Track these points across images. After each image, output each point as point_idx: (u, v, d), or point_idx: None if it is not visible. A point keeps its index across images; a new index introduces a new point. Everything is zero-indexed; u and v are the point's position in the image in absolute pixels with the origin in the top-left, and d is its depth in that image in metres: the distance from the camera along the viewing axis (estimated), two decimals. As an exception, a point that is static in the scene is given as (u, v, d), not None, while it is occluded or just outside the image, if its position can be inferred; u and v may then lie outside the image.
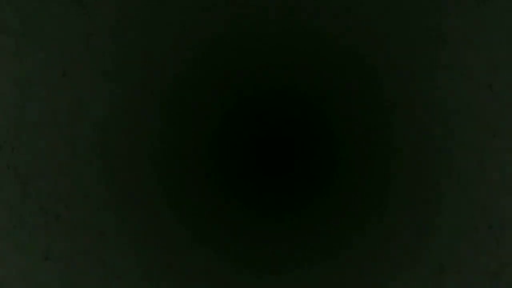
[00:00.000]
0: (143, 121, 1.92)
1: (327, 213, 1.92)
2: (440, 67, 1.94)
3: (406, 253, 1.90)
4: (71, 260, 1.89)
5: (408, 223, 1.91)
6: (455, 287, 1.90)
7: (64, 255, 1.89)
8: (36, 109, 1.89)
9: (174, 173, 1.91)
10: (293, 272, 1.90)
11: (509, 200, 1.91)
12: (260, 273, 1.90)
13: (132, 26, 1.92)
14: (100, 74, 1.92)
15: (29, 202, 1.89)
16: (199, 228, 1.91)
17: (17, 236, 1.88)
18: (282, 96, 1.94)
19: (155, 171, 1.91)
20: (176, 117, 1.92)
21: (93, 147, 1.91)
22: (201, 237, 1.90)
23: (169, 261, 1.90)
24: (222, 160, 1.92)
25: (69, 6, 1.92)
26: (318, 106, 1.93)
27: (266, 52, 1.94)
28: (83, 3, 1.89)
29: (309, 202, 1.92)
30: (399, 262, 1.90)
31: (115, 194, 1.90)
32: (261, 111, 1.93)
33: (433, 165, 1.92)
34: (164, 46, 1.93)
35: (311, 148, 1.93)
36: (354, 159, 1.92)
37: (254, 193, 1.92)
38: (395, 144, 1.93)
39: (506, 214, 1.90)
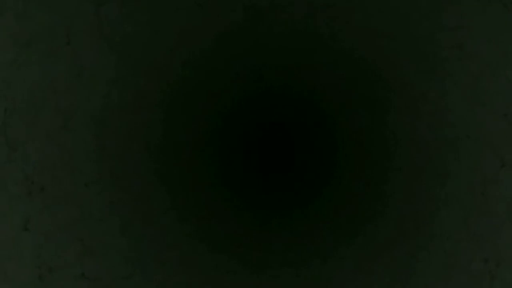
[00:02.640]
0: (143, 120, 1.91)
1: (326, 213, 1.92)
2: (441, 68, 1.93)
3: (405, 254, 1.91)
4: (50, 234, 1.89)
5: (407, 225, 1.92)
6: None
7: (44, 228, 1.87)
8: (35, 74, 1.86)
9: (174, 171, 1.92)
10: (293, 271, 1.92)
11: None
12: (259, 272, 1.91)
13: (135, 27, 1.91)
14: (100, 72, 1.91)
15: (15, 170, 1.87)
16: (198, 227, 1.91)
17: None
18: (282, 97, 1.93)
19: (152, 162, 1.91)
20: (177, 117, 1.92)
21: (90, 136, 1.90)
22: (200, 236, 1.91)
23: (162, 254, 1.91)
24: (222, 160, 1.92)
25: None
26: (318, 106, 1.93)
27: (266, 53, 1.93)
28: None
29: (309, 202, 1.92)
30: (398, 263, 1.92)
31: (107, 178, 1.90)
32: (261, 111, 1.93)
33: (433, 166, 1.92)
34: (165, 47, 1.92)
35: (311, 149, 1.93)
36: (353, 159, 1.92)
37: (254, 192, 1.92)
38: (394, 144, 1.92)
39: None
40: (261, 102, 1.93)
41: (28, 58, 1.84)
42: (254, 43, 1.93)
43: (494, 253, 1.89)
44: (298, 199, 1.92)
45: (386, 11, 1.93)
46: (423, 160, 1.92)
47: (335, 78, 1.93)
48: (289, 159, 1.93)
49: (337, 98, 1.93)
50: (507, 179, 1.89)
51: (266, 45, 1.93)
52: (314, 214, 1.92)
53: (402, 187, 1.92)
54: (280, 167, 1.93)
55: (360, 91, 1.93)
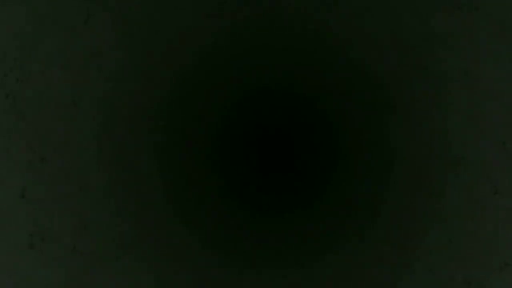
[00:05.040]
0: (144, 120, 1.95)
1: (325, 214, 1.91)
2: (441, 68, 1.98)
3: (403, 255, 1.87)
4: (46, 204, 1.88)
5: (407, 226, 1.89)
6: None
7: (40, 198, 1.88)
8: (49, 46, 1.89)
9: (173, 171, 1.93)
10: (292, 271, 1.87)
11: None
12: (258, 272, 1.87)
13: (133, 26, 1.96)
14: (100, 73, 1.95)
15: (17, 138, 1.89)
16: (198, 226, 1.90)
17: None
18: (282, 97, 1.96)
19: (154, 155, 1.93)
20: (177, 116, 1.95)
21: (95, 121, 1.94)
22: (200, 235, 1.89)
23: (158, 242, 1.88)
24: (221, 160, 1.94)
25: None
26: (318, 106, 1.97)
27: (266, 53, 1.97)
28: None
29: (309, 203, 1.92)
30: (397, 264, 1.86)
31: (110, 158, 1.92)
32: (261, 111, 1.98)
33: (433, 168, 1.93)
34: (166, 45, 1.96)
35: (311, 149, 1.95)
36: (353, 160, 1.93)
37: (253, 193, 1.93)
38: (394, 145, 1.94)
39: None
40: (261, 102, 1.95)
41: (46, 31, 1.93)
42: (254, 43, 1.96)
43: (479, 276, 1.83)
44: (297, 200, 1.92)
45: (390, 16, 1.96)
46: (420, 168, 1.93)
47: (335, 79, 1.95)
48: (289, 160, 1.95)
49: (338, 98, 1.94)
50: (500, 206, 1.88)
51: (266, 45, 1.96)
52: (314, 214, 1.91)
53: (402, 191, 1.92)
54: (280, 167, 1.94)
55: (360, 92, 1.95)
